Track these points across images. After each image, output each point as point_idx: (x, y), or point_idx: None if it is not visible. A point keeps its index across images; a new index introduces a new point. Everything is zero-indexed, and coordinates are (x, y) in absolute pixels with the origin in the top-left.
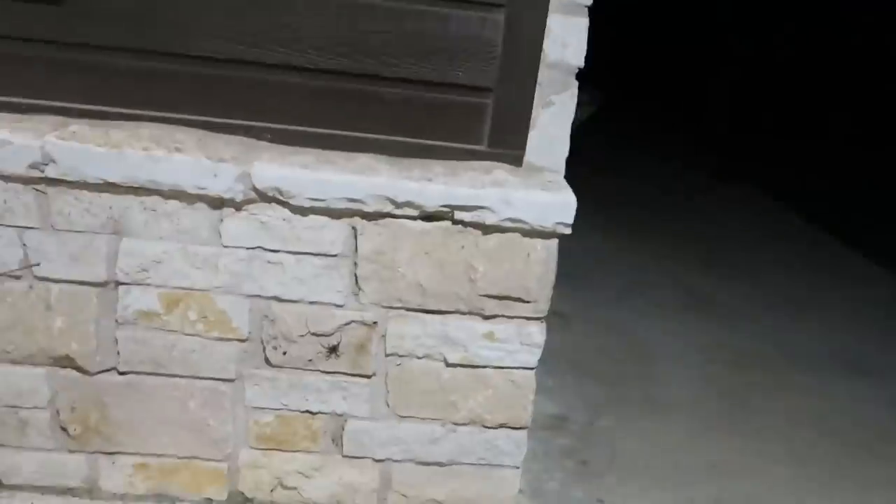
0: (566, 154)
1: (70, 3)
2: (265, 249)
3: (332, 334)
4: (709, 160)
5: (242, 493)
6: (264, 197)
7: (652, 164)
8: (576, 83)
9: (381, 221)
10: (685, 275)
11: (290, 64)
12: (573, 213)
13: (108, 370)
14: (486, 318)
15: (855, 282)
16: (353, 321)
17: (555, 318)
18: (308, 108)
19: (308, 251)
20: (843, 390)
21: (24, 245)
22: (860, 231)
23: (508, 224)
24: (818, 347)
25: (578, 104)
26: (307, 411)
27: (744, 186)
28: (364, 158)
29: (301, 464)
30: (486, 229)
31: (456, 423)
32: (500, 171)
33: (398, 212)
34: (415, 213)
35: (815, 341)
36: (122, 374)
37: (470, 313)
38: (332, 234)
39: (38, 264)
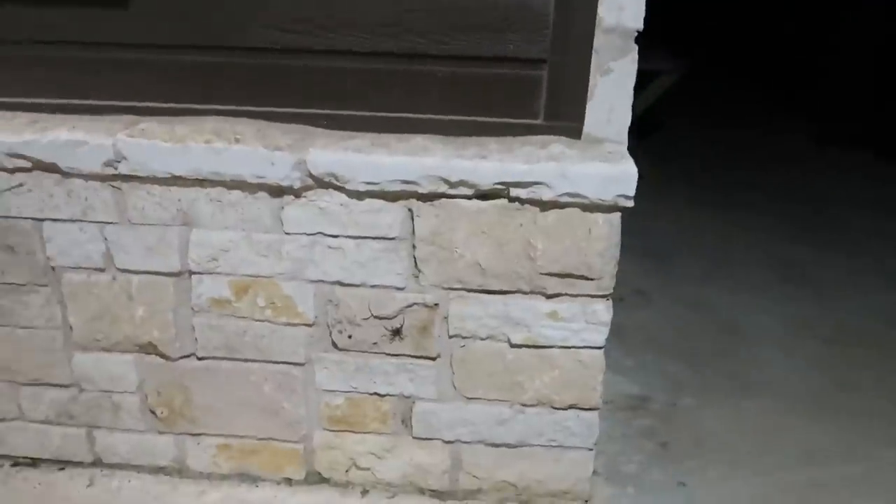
0: (628, 123)
1: (134, 4)
2: (325, 235)
3: (395, 317)
4: (811, 126)
5: (319, 473)
6: (321, 183)
7: (743, 131)
8: (635, 47)
9: (436, 202)
10: (780, 247)
11: (340, 49)
12: (634, 184)
13: (187, 356)
14: (549, 296)
15: None
16: (414, 303)
17: (636, 296)
18: (361, 91)
19: (366, 235)
20: None
21: (106, 239)
22: None
23: (567, 199)
24: None
25: (657, 73)
26: (375, 393)
27: (849, 152)
28: (418, 139)
29: (372, 445)
30: (544, 205)
31: (523, 404)
32: (557, 144)
33: (453, 191)
34: (469, 192)
35: None
36: (200, 359)
37: (531, 292)
38: (389, 216)
39: None
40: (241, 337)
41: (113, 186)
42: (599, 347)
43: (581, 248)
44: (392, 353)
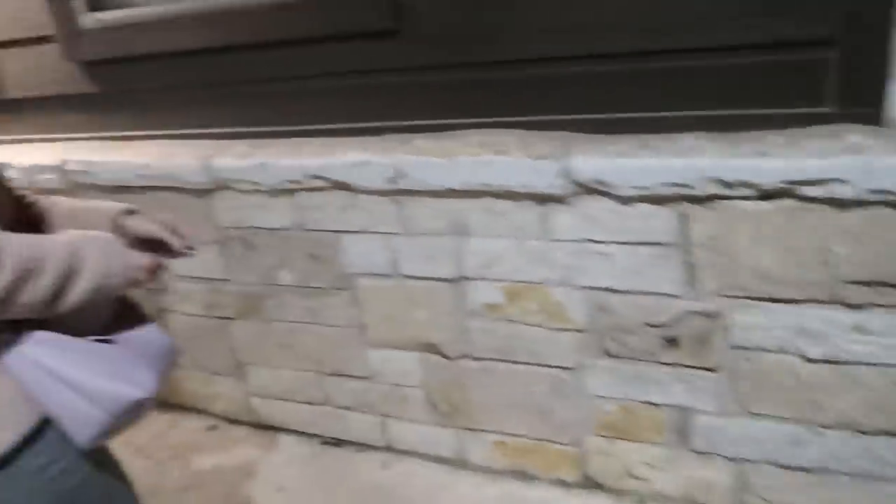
0: None
1: (403, 33)
2: (593, 241)
3: (670, 325)
4: None
5: (593, 478)
6: (587, 189)
7: None
8: None
9: (712, 205)
10: None
11: (600, 52)
12: None
13: (464, 356)
14: (853, 307)
15: None
16: (690, 311)
17: None
18: (622, 93)
19: (637, 241)
20: None
21: (391, 248)
22: None
23: (872, 197)
24: None
25: None
26: (649, 402)
27: None
28: (687, 139)
29: (647, 455)
30: (844, 205)
31: (822, 426)
32: (854, 134)
33: (731, 193)
34: (750, 192)
35: None
36: (476, 360)
37: (830, 302)
38: (661, 221)
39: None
40: (514, 340)
41: (395, 200)
42: None
43: (894, 252)
44: (667, 361)
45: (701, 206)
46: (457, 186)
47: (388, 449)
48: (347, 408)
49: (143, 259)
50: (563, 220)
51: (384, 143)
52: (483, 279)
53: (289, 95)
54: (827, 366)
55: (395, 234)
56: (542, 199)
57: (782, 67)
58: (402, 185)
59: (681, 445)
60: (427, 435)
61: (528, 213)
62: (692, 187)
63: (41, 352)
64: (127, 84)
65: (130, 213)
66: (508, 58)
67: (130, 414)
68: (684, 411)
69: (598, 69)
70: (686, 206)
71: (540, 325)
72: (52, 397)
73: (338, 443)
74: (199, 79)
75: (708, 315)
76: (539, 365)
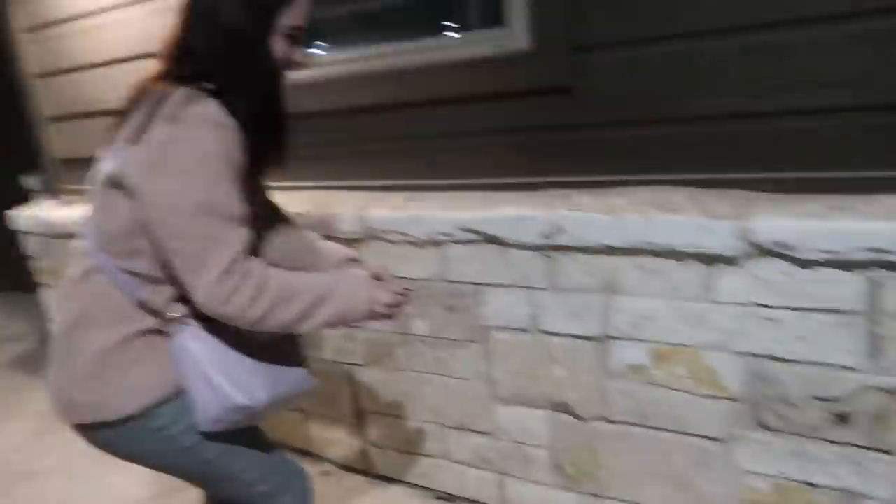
0: None
1: (578, 88)
2: (761, 305)
3: (842, 400)
4: None
5: None
6: (764, 251)
7: None
8: None
9: None
10: None
11: (789, 108)
12: None
13: (599, 418)
14: None
15: None
16: (869, 386)
17: None
18: (812, 151)
19: (812, 307)
20: None
21: (533, 303)
22: None
23: None
24: None
25: None
26: (808, 483)
27: None
28: (888, 200)
29: None
30: None
31: None
32: None
33: None
34: None
35: None
36: (611, 422)
37: None
38: (845, 288)
39: None
40: (657, 406)
41: (545, 255)
42: None
43: None
44: (835, 440)
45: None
46: (617, 244)
47: None
48: (466, 463)
49: (386, 296)
50: (729, 282)
51: (543, 198)
52: (630, 339)
53: (453, 150)
54: None
55: (540, 288)
56: (710, 259)
57: None
58: (559, 240)
59: None
60: (548, 497)
61: (689, 273)
62: (891, 252)
63: (195, 344)
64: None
65: (354, 260)
66: (689, 114)
67: (238, 414)
68: (850, 496)
69: (783, 125)
70: (876, 272)
71: (688, 391)
72: (189, 379)
73: (450, 498)
74: (373, 134)
75: (889, 391)
76: (682, 433)
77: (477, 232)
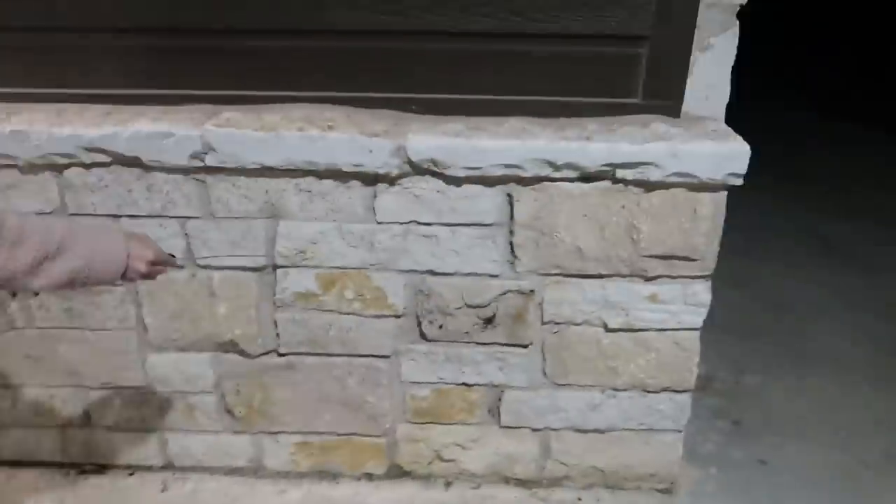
0: (726, 101)
1: None
2: (419, 223)
3: (488, 305)
4: (811, 100)
5: (400, 467)
6: (419, 169)
7: (748, 105)
8: (737, 22)
9: (537, 186)
10: (808, 220)
11: (432, 29)
12: (746, 162)
13: (268, 352)
14: (649, 279)
15: None
16: (509, 291)
17: None
18: (453, 74)
19: (462, 222)
20: None
21: (187, 235)
22: None
23: (675, 179)
24: None
25: None
26: (464, 384)
27: (850, 125)
28: (513, 122)
29: (458, 436)
30: (650, 187)
31: (616, 389)
32: (660, 123)
33: (557, 175)
34: (574, 174)
35: None
36: (282, 355)
37: (631, 276)
38: (487, 202)
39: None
40: (327, 331)
41: (196, 179)
42: (697, 329)
43: (686, 229)
44: (483, 341)
45: (527, 186)
46: (276, 164)
47: (168, 467)
48: (116, 428)
49: (149, 252)
50: (390, 201)
51: (185, 113)
52: (296, 266)
53: (70, 50)
54: (624, 334)
55: (193, 217)
56: (371, 179)
57: (603, 59)
58: (210, 161)
59: (492, 423)
60: (218, 445)
61: (353, 193)
62: (523, 168)
63: None
64: None
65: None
66: (334, 28)
67: None
68: (496, 389)
69: (428, 47)
70: (512, 187)
71: (357, 314)
72: None
73: (101, 469)
74: None
75: (524, 293)
76: (354, 355)
77: (107, 152)
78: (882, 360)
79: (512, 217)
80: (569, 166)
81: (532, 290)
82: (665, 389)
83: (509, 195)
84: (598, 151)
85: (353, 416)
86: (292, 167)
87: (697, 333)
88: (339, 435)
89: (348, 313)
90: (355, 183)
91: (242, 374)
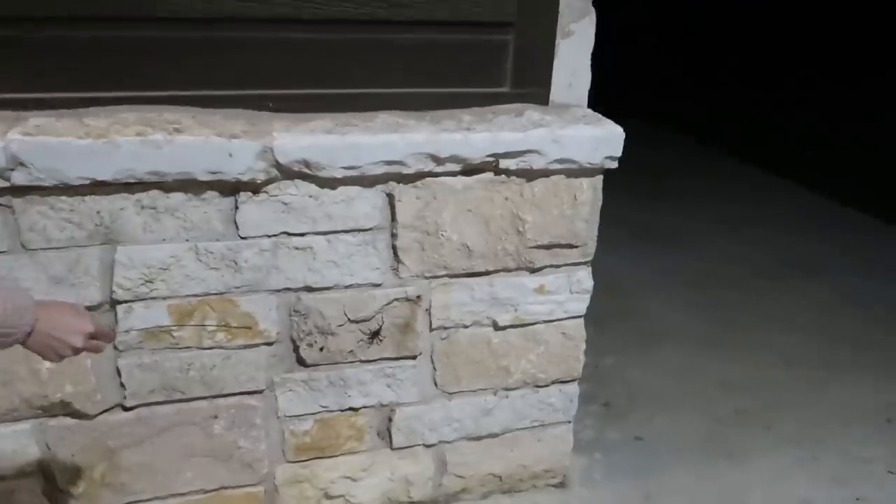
0: (588, 87)
1: None
2: (291, 234)
3: (373, 318)
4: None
5: None
6: (288, 173)
7: None
8: (593, 9)
9: (419, 183)
10: (618, 206)
11: (288, 17)
12: (622, 144)
13: (111, 408)
14: (535, 271)
15: (778, 200)
16: (395, 299)
17: None
18: (313, 66)
19: (340, 228)
20: (804, 290)
21: None
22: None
23: (556, 166)
24: (768, 258)
25: None
26: (349, 409)
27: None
28: (384, 117)
29: (347, 467)
30: (531, 175)
31: (508, 389)
32: (532, 111)
33: (439, 169)
34: (457, 167)
35: (764, 254)
36: (128, 409)
37: (518, 269)
38: (366, 205)
39: None
40: (185, 373)
41: (1, 206)
42: (581, 316)
43: (567, 216)
44: (370, 358)
45: (408, 184)
46: (110, 178)
47: None
48: None
49: (75, 330)
50: (256, 212)
51: None
52: (143, 298)
53: None
54: (514, 330)
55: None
56: (231, 187)
57: (470, 47)
58: (19, 180)
59: (382, 446)
60: None
61: (209, 207)
62: (405, 164)
63: None
64: None
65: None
66: (167, 14)
67: None
68: (385, 409)
69: (283, 36)
70: (393, 186)
71: (222, 347)
72: None
73: None
74: None
75: (410, 299)
76: (220, 396)
77: None
78: (712, 328)
79: (394, 218)
80: (452, 159)
81: (419, 296)
82: (555, 382)
83: (389, 195)
84: (482, 141)
85: (222, 467)
86: (132, 180)
87: (582, 321)
88: (206, 492)
89: (211, 347)
90: (212, 194)
91: (78, 442)
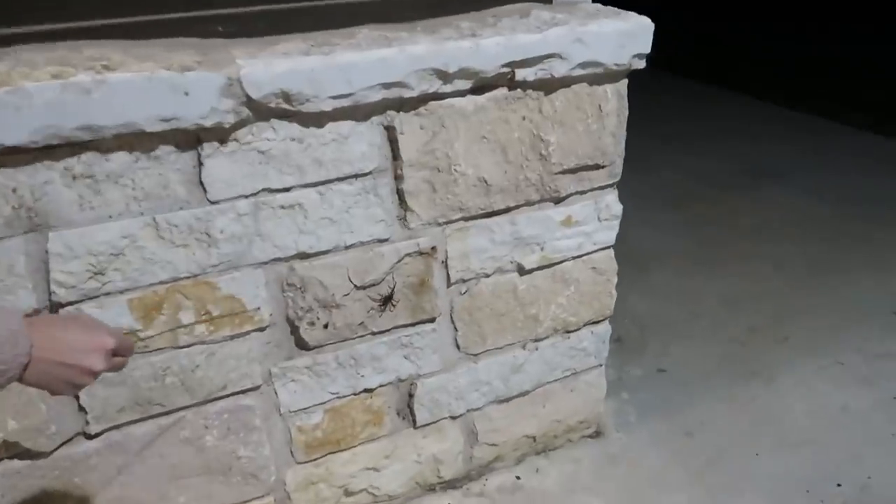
0: None
1: None
2: (273, 191)
3: (383, 280)
4: None
5: None
6: (262, 112)
7: None
8: None
9: (423, 109)
10: None
11: None
12: (651, 38)
13: (70, 439)
14: (560, 200)
15: (730, 113)
16: (406, 255)
17: None
18: None
19: (333, 177)
20: (776, 197)
21: None
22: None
23: (578, 72)
24: (732, 168)
25: None
26: (364, 391)
27: None
28: (366, 32)
29: (368, 457)
30: (550, 87)
31: (537, 340)
32: (539, 10)
33: (447, 88)
34: (467, 85)
35: (722, 164)
36: (93, 436)
37: (541, 201)
38: (362, 142)
39: None
40: (160, 380)
41: None
42: (611, 246)
43: (593, 131)
44: (383, 329)
45: (410, 112)
46: (24, 141)
47: None
48: None
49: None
50: (226, 167)
51: None
52: (93, 296)
53: None
54: (540, 273)
55: None
56: (192, 138)
57: None
58: None
59: (404, 427)
60: None
61: (164, 168)
62: (407, 85)
63: None
64: None
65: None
66: None
67: None
68: (404, 384)
69: None
70: (391, 116)
71: (203, 342)
72: None
73: None
74: None
75: (424, 253)
76: (207, 401)
77: None
78: (699, 246)
79: (396, 156)
80: (462, 74)
81: (433, 248)
82: (587, 324)
83: (389, 128)
84: (495, 48)
85: (221, 484)
86: (56, 141)
87: (612, 252)
88: None
89: (190, 345)
90: (166, 149)
91: (34, 486)
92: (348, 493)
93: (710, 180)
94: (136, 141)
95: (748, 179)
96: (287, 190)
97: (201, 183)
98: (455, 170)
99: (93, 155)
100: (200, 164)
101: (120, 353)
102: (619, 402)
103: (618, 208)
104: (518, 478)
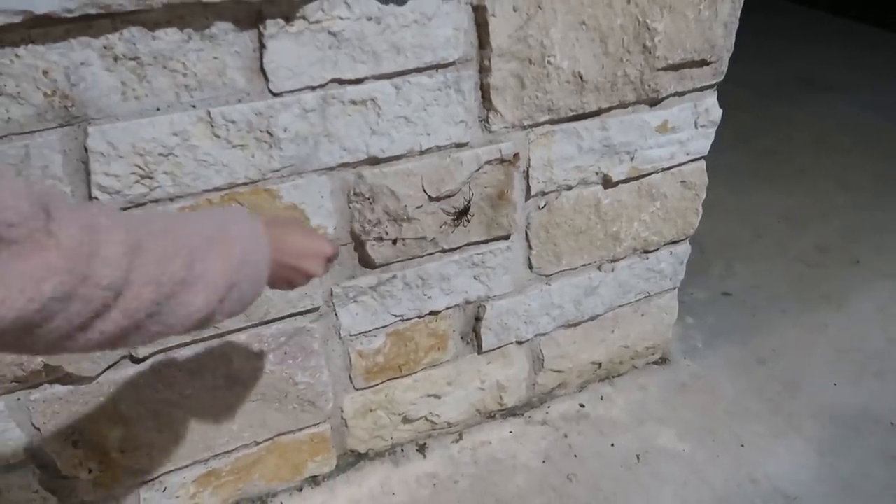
0: None
1: None
2: (344, 82)
3: (459, 191)
4: None
5: (356, 451)
6: None
7: None
8: None
9: None
10: None
11: None
12: None
13: (115, 363)
14: (657, 102)
15: (776, 22)
16: (486, 162)
17: None
18: None
19: (412, 67)
20: (829, 108)
21: None
22: None
23: None
24: (776, 78)
25: None
26: (430, 313)
27: None
28: None
29: (430, 384)
30: None
31: (615, 260)
32: None
33: None
34: None
35: (769, 72)
36: (139, 360)
37: (637, 102)
38: (447, 25)
39: None
40: None
41: None
42: (704, 157)
43: (704, 19)
44: (455, 246)
45: None
46: (55, 8)
47: None
48: None
49: (317, 254)
50: (290, 50)
51: None
52: (140, 205)
53: None
54: (626, 186)
55: None
56: (253, 14)
57: None
58: None
59: (468, 352)
60: None
61: (221, 50)
62: None
63: None
64: None
65: None
66: None
67: None
68: (471, 306)
69: None
70: None
71: None
72: None
73: None
74: None
75: (505, 160)
76: (263, 323)
77: None
78: (753, 161)
79: (484, 44)
80: None
81: (515, 154)
82: (667, 243)
83: (478, 8)
84: None
85: (276, 411)
86: (95, 10)
87: (704, 163)
88: (257, 444)
89: None
90: (223, 26)
91: (77, 414)
92: (407, 420)
93: (759, 89)
94: (189, 14)
95: (799, 90)
96: (360, 82)
97: (263, 70)
98: (549, 62)
99: (138, 30)
100: (262, 46)
101: (330, 260)
102: (684, 327)
103: (717, 113)
104: (582, 405)
